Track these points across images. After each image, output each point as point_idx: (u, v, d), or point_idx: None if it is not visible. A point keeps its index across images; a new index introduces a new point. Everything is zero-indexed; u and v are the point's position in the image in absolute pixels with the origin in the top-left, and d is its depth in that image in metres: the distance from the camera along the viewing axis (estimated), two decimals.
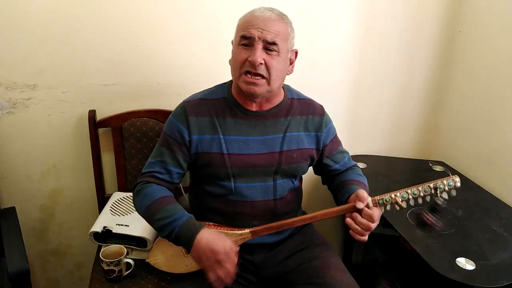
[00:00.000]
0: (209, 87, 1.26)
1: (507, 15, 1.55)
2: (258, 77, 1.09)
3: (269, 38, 1.07)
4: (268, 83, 1.10)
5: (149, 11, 1.48)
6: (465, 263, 1.19)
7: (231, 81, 1.23)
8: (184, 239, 1.06)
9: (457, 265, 1.19)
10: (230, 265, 1.03)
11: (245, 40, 1.08)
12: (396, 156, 1.99)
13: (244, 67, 1.08)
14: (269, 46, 1.07)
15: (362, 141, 1.96)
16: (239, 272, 1.21)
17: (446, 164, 1.88)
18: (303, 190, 1.37)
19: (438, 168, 1.82)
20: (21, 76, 1.44)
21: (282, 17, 1.11)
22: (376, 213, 1.05)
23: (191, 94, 1.24)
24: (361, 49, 1.78)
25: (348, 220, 1.06)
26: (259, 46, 1.07)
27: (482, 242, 1.30)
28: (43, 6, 1.37)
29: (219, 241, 1.03)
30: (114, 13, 1.45)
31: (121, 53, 1.50)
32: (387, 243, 1.78)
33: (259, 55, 1.06)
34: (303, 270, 1.22)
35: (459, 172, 1.79)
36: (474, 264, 1.18)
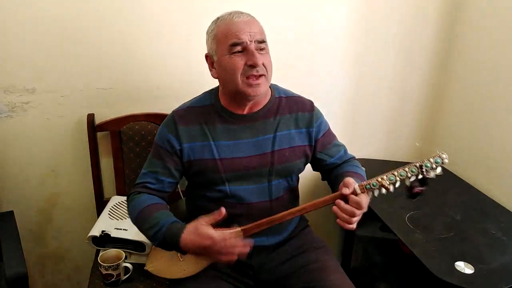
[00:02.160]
0: (197, 95, 1.26)
1: (505, 19, 1.55)
2: (260, 78, 1.11)
3: (259, 37, 1.10)
4: (267, 79, 1.13)
5: (147, 15, 1.49)
6: (464, 267, 1.19)
7: (217, 88, 1.23)
8: (172, 248, 1.08)
9: (456, 269, 1.18)
10: (231, 245, 1.02)
11: (237, 47, 1.08)
12: (395, 160, 1.99)
13: (245, 73, 1.09)
14: (260, 46, 1.10)
15: (361, 145, 1.95)
16: (237, 276, 1.21)
17: (445, 168, 1.87)
18: (300, 191, 1.36)
19: (437, 171, 1.82)
20: (19, 80, 1.44)
21: (254, 17, 1.14)
22: (364, 199, 1.03)
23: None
24: (359, 53, 1.78)
25: (334, 208, 1.04)
26: (254, 48, 1.08)
27: (481, 246, 1.30)
28: (42, 10, 1.38)
29: (202, 236, 1.02)
30: (112, 17, 1.45)
31: (119, 57, 1.50)
32: (386, 247, 1.78)
33: (258, 57, 1.08)
34: (302, 274, 1.21)
35: (457, 176, 1.79)
36: (473, 268, 1.18)
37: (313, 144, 1.25)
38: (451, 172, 1.83)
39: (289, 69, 1.67)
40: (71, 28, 1.42)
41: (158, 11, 1.49)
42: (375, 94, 1.87)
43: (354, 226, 1.04)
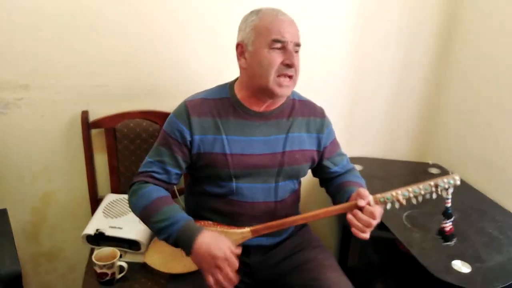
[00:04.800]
0: (210, 88, 1.24)
1: (504, 19, 1.55)
2: (291, 79, 1.12)
3: (297, 40, 1.11)
4: (294, 82, 1.15)
5: (143, 12, 1.47)
6: (461, 266, 1.19)
7: (232, 82, 1.22)
8: (183, 244, 1.05)
9: (453, 268, 1.18)
10: (230, 269, 1.01)
11: (278, 44, 1.08)
12: (393, 159, 1.99)
13: (279, 70, 1.09)
14: (296, 48, 1.11)
15: (359, 143, 1.95)
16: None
17: (442, 167, 1.88)
18: (300, 192, 1.36)
19: (434, 171, 1.82)
20: (13, 76, 1.42)
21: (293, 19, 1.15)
22: (378, 210, 1.05)
23: (193, 94, 1.22)
24: (358, 51, 1.77)
25: (349, 216, 1.06)
26: (292, 49, 1.09)
27: (477, 245, 1.30)
28: (36, 6, 1.36)
29: (218, 246, 1.01)
30: (107, 14, 1.44)
31: (114, 53, 1.49)
32: (383, 246, 1.77)
33: (296, 59, 1.10)
34: (299, 272, 1.21)
35: None
36: (470, 267, 1.18)
37: (321, 150, 1.26)
38: (449, 171, 1.83)
39: None
40: (65, 25, 1.41)
41: (154, 9, 1.48)
42: (374, 93, 1.87)
43: (367, 236, 1.06)
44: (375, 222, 1.05)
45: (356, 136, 1.93)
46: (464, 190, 1.68)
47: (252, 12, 1.14)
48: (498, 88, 1.59)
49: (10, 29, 1.37)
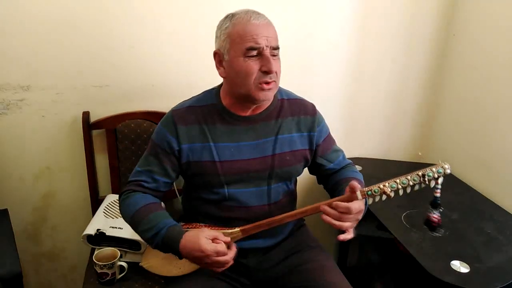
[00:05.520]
0: (197, 94, 1.24)
1: (501, 18, 1.55)
2: (271, 83, 1.08)
3: (274, 44, 1.07)
4: (277, 86, 1.12)
5: (144, 12, 1.48)
6: (460, 266, 1.19)
7: (218, 88, 1.21)
8: (170, 251, 1.08)
9: (452, 268, 1.19)
10: (219, 258, 1.04)
11: (253, 51, 1.05)
12: (391, 159, 1.99)
13: (258, 78, 1.06)
14: (273, 52, 1.07)
15: (357, 143, 1.96)
16: (233, 276, 1.21)
17: None
18: (297, 192, 1.36)
19: None
20: (14, 77, 1.43)
21: (270, 20, 1.11)
22: (354, 205, 1.01)
23: (180, 102, 1.22)
24: (356, 52, 1.78)
25: (323, 216, 1.03)
26: (269, 54, 1.06)
27: (476, 245, 1.30)
28: (37, 7, 1.37)
29: (199, 248, 1.02)
30: (108, 14, 1.44)
31: (115, 54, 1.49)
32: (382, 246, 1.78)
33: (274, 64, 1.05)
34: (298, 273, 1.21)
35: (453, 175, 1.79)
36: (469, 267, 1.19)
37: (314, 148, 1.25)
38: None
39: (287, 69, 1.66)
40: (66, 25, 1.41)
41: (153, 9, 1.48)
42: (373, 94, 1.87)
43: (348, 236, 1.04)
44: (349, 217, 1.01)
45: (355, 137, 1.94)
46: (463, 190, 1.68)
47: (226, 18, 1.11)
48: (495, 89, 1.59)
49: (11, 30, 1.37)
